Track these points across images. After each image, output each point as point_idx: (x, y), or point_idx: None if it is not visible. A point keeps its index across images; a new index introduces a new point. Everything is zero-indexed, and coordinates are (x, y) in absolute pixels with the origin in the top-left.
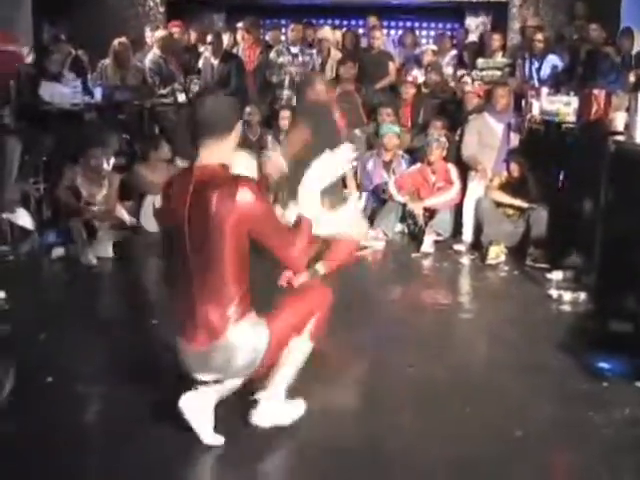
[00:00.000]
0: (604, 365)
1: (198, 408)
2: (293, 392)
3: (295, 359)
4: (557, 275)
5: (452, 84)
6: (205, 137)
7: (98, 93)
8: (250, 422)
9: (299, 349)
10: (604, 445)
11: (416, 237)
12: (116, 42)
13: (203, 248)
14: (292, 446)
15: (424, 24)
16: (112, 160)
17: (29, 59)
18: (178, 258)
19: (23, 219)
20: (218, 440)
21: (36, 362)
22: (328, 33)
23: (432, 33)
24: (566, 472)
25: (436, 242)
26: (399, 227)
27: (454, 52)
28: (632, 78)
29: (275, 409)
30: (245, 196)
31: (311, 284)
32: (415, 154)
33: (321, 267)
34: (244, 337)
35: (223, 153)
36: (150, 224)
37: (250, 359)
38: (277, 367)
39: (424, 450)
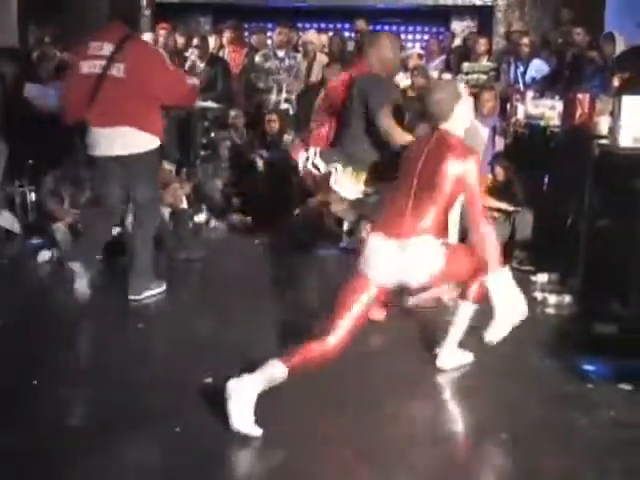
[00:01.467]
0: (589, 367)
1: (244, 393)
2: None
3: (462, 320)
4: (542, 278)
5: None
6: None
7: None
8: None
9: (466, 312)
10: (589, 447)
11: None
12: None
13: (428, 184)
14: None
15: (410, 28)
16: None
17: None
18: (405, 184)
19: (9, 223)
20: (255, 431)
21: (21, 365)
22: (313, 37)
23: (418, 37)
24: (552, 474)
25: None
26: None
27: (443, 57)
28: (615, 82)
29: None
30: (471, 164)
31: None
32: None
33: None
34: (427, 247)
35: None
36: None
37: (423, 267)
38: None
39: (408, 451)
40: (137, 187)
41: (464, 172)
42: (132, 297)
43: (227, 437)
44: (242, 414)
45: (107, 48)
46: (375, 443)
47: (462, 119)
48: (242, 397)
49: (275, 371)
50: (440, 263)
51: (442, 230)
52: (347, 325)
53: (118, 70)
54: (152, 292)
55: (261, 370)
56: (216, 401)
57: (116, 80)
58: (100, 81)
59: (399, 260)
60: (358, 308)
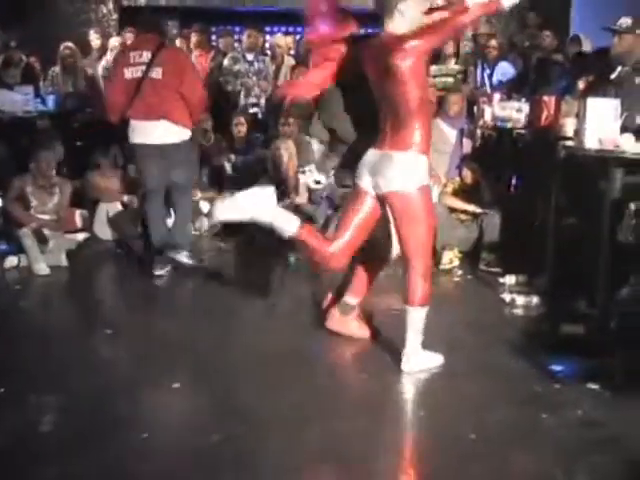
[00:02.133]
0: (556, 367)
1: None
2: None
3: (413, 324)
4: (510, 279)
5: None
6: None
7: (51, 101)
8: None
9: (413, 316)
10: (557, 446)
11: None
12: (62, 47)
13: (392, 93)
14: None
15: (377, 30)
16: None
17: None
18: (378, 100)
19: None
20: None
21: None
22: (280, 40)
23: None
24: (520, 474)
25: None
26: None
27: None
28: (581, 85)
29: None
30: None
31: None
32: None
33: None
34: (406, 159)
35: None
36: (103, 232)
37: (399, 175)
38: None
39: (379, 454)
40: (175, 171)
41: (412, 51)
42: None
43: (194, 443)
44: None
45: (146, 55)
46: (341, 448)
47: (408, 17)
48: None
49: (289, 224)
50: (418, 179)
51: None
52: (349, 236)
53: (157, 73)
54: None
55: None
56: (184, 406)
57: (155, 81)
58: (142, 83)
59: (378, 166)
60: (357, 218)
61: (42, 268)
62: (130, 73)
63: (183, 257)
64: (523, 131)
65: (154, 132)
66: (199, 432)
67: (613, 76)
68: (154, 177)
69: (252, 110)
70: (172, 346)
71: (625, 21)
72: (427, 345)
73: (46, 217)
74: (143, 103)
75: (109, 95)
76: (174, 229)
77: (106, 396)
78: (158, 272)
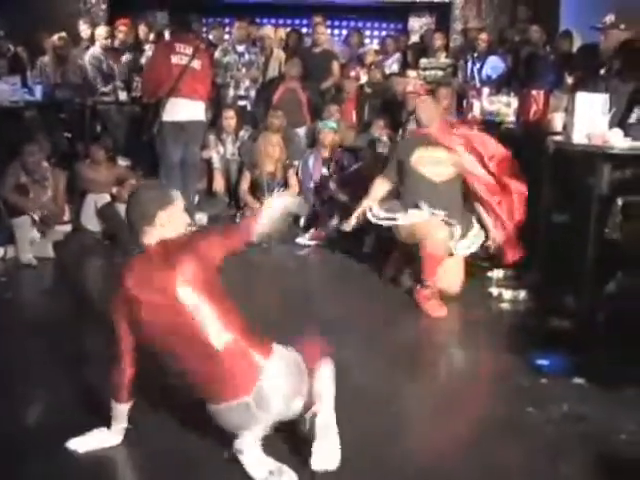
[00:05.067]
0: (543, 362)
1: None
2: None
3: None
4: (498, 273)
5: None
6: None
7: (38, 91)
8: None
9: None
10: (544, 441)
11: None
12: (55, 37)
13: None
14: None
15: (368, 24)
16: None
17: None
18: None
19: None
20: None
21: None
22: (270, 31)
23: (376, 33)
24: (505, 468)
25: None
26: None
27: (397, 55)
28: (570, 80)
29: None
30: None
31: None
32: (358, 152)
33: None
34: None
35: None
36: (91, 223)
37: None
38: None
39: (366, 453)
40: (191, 149)
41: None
42: None
43: (182, 437)
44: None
45: (188, 50)
46: None
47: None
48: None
49: None
50: None
51: None
52: None
53: (196, 64)
54: None
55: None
56: (174, 402)
57: (194, 70)
58: (185, 70)
59: None
60: None
61: (29, 259)
62: (176, 59)
63: None
64: (512, 125)
65: (188, 109)
66: (188, 427)
67: (602, 72)
68: (177, 153)
69: (241, 103)
70: None
71: (609, 18)
72: (412, 338)
73: (44, 212)
74: (184, 85)
75: (151, 74)
76: None
77: (93, 390)
78: None
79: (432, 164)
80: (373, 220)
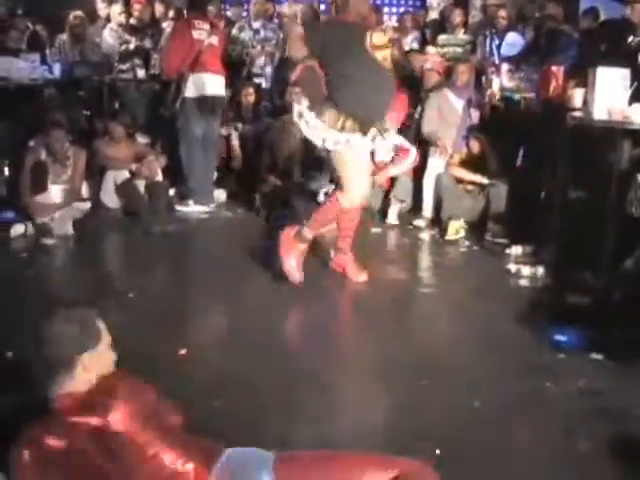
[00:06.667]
0: (561, 337)
1: None
2: None
3: None
4: (516, 250)
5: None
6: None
7: (57, 69)
8: None
9: None
10: (561, 415)
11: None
12: (72, 15)
13: None
14: None
15: (386, 0)
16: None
17: None
18: None
19: None
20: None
21: None
22: (289, 8)
23: (394, 10)
24: (522, 442)
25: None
26: None
27: (416, 32)
28: (591, 55)
29: None
30: None
31: None
32: None
33: None
34: None
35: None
36: (110, 200)
37: None
38: None
39: (381, 420)
40: (212, 124)
41: None
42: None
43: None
44: None
45: (206, 26)
46: (339, 420)
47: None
48: None
49: None
50: None
51: None
52: None
53: (214, 40)
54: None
55: None
56: (187, 371)
57: (213, 45)
58: (205, 45)
59: None
60: None
61: (50, 237)
62: (196, 34)
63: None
64: (531, 102)
65: (211, 84)
66: (203, 397)
67: (625, 46)
68: (200, 129)
69: (256, 80)
70: (180, 312)
71: None
72: (431, 314)
73: (60, 187)
74: (206, 60)
75: (173, 50)
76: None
77: None
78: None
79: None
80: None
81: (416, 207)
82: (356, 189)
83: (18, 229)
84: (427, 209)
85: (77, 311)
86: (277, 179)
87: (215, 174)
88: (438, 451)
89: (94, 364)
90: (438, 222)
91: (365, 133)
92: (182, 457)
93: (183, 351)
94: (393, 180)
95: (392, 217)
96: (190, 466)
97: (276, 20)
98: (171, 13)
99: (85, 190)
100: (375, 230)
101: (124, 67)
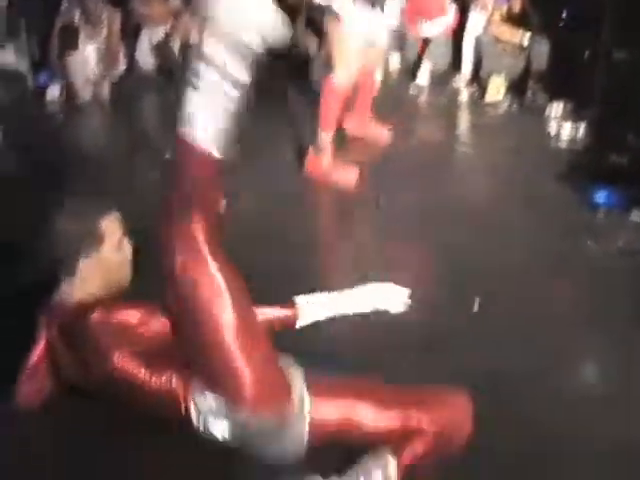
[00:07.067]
0: (600, 196)
1: None
2: None
3: None
4: (557, 106)
5: None
6: None
7: None
8: None
9: None
10: (599, 273)
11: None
12: None
13: None
14: None
15: None
16: None
17: None
18: None
19: (13, 58)
20: None
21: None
22: None
23: None
24: (559, 299)
25: (432, 75)
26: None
27: None
28: None
29: None
30: None
31: None
32: None
33: None
34: None
35: None
36: (146, 60)
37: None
38: None
39: (421, 279)
40: None
41: None
42: None
43: None
44: None
45: None
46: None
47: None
48: None
49: None
50: None
51: None
52: None
53: None
54: None
55: None
56: None
57: None
58: None
59: None
60: None
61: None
62: None
63: None
64: None
65: None
66: None
67: None
68: None
69: None
70: None
71: None
72: (470, 173)
73: (94, 47)
74: None
75: None
76: None
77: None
78: None
79: None
80: None
81: (454, 67)
82: (344, 69)
83: (53, 92)
84: (466, 67)
85: (73, 207)
86: None
87: None
88: (478, 299)
89: (92, 272)
90: (478, 82)
91: None
92: None
93: None
94: (426, 42)
95: (423, 78)
96: None
97: None
98: None
99: (121, 53)
100: (412, 91)
101: None
